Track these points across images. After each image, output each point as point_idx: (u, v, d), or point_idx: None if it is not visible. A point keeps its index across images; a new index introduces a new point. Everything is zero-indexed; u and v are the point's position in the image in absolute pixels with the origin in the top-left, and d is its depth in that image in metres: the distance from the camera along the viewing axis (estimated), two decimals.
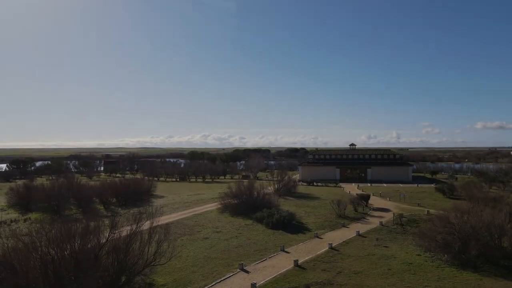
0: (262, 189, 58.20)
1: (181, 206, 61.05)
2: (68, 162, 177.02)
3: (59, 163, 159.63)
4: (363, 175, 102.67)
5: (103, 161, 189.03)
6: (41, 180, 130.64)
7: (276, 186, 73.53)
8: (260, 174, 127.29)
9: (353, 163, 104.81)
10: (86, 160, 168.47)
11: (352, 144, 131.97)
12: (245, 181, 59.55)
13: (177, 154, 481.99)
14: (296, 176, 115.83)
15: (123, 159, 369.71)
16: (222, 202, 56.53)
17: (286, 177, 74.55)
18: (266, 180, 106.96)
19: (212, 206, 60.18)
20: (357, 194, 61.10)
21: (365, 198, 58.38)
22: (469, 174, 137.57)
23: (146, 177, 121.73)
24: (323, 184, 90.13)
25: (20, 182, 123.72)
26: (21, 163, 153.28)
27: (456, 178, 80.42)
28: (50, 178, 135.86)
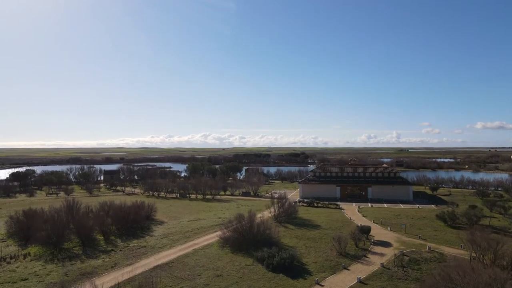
0: (262, 222, 57.76)
1: (181, 238, 60.76)
2: (68, 172, 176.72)
3: (59, 175, 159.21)
4: (363, 193, 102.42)
5: (103, 171, 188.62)
6: (41, 194, 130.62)
7: (276, 211, 73.18)
8: (262, 186, 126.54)
9: (354, 181, 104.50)
10: (85, 172, 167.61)
11: (352, 160, 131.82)
12: (246, 216, 58.98)
13: (177, 157, 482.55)
14: (297, 192, 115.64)
15: (124, 162, 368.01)
16: (223, 236, 56.21)
17: (287, 203, 74.08)
18: (266, 198, 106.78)
19: (213, 237, 59.93)
20: (357, 226, 60.79)
21: (365, 231, 58.10)
22: (469, 187, 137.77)
23: (146, 192, 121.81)
24: (324, 205, 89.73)
25: (20, 197, 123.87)
26: (21, 175, 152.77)
27: (457, 205, 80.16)
28: (51, 191, 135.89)
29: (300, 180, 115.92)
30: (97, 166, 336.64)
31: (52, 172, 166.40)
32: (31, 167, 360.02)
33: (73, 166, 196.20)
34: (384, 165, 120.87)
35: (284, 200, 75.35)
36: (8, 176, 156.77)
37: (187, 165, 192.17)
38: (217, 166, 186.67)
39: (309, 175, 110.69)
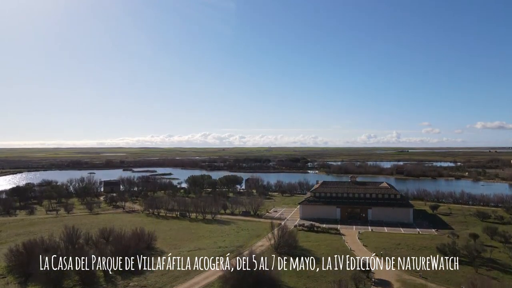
0: (262, 260, 57.50)
1: (181, 275, 60.59)
2: (68, 184, 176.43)
3: (59, 189, 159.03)
4: (363, 215, 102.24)
5: (103, 182, 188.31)
6: (41, 211, 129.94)
7: (276, 241, 73.02)
8: (262, 205, 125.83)
9: (354, 203, 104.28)
10: (85, 186, 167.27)
11: (353, 176, 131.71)
12: (245, 253, 58.82)
13: (177, 161, 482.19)
14: (297, 210, 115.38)
15: (124, 167, 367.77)
16: (223, 276, 56.04)
17: (286, 234, 73.83)
18: (266, 219, 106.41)
19: (213, 274, 59.95)
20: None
21: (366, 269, 58.00)
22: (470, 202, 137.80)
23: (146, 211, 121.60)
24: (324, 230, 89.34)
25: (20, 214, 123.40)
26: (21, 190, 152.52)
27: (458, 236, 79.85)
28: (51, 207, 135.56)
29: (300, 201, 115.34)
30: (97, 172, 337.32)
31: (52, 186, 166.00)
32: (31, 172, 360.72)
33: (73, 176, 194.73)
34: (384, 184, 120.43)
35: (284, 230, 75.06)
36: (8, 190, 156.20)
37: (187, 178, 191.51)
38: (217, 179, 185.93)
39: (309, 196, 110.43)
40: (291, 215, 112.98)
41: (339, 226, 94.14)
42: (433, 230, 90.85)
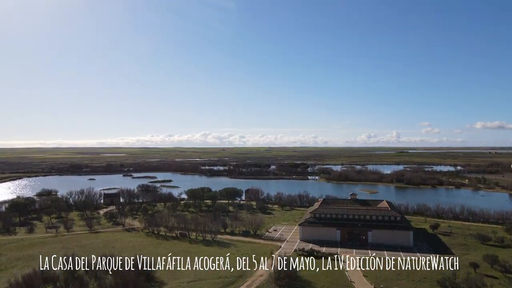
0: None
1: None
2: (68, 196, 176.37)
3: (59, 203, 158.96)
4: (364, 237, 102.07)
5: (103, 194, 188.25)
6: (40, 228, 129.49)
7: (276, 274, 72.78)
8: (262, 224, 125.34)
9: (354, 225, 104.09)
10: (85, 200, 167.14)
11: (353, 194, 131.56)
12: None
13: (178, 165, 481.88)
14: (297, 229, 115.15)
15: (123, 172, 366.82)
16: None
17: (285, 263, 73.67)
18: (266, 240, 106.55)
19: None
20: None
21: None
22: (470, 218, 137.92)
23: (146, 229, 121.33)
24: (324, 255, 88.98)
25: (20, 232, 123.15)
26: (21, 205, 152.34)
27: (458, 268, 79.54)
28: (51, 224, 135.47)
29: (300, 222, 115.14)
30: (97, 178, 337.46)
31: (52, 199, 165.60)
32: (31, 177, 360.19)
33: (73, 183, 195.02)
34: (384, 203, 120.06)
35: (283, 259, 74.92)
36: (7, 203, 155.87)
37: (187, 190, 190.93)
38: (217, 191, 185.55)
39: (309, 217, 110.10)
40: (290, 235, 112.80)
41: (339, 250, 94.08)
42: (433, 256, 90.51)
